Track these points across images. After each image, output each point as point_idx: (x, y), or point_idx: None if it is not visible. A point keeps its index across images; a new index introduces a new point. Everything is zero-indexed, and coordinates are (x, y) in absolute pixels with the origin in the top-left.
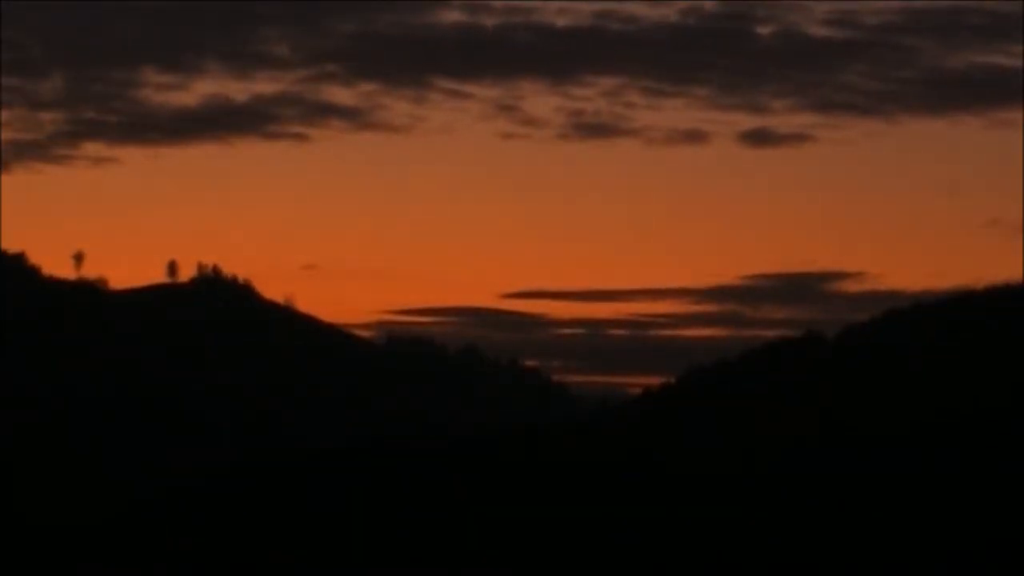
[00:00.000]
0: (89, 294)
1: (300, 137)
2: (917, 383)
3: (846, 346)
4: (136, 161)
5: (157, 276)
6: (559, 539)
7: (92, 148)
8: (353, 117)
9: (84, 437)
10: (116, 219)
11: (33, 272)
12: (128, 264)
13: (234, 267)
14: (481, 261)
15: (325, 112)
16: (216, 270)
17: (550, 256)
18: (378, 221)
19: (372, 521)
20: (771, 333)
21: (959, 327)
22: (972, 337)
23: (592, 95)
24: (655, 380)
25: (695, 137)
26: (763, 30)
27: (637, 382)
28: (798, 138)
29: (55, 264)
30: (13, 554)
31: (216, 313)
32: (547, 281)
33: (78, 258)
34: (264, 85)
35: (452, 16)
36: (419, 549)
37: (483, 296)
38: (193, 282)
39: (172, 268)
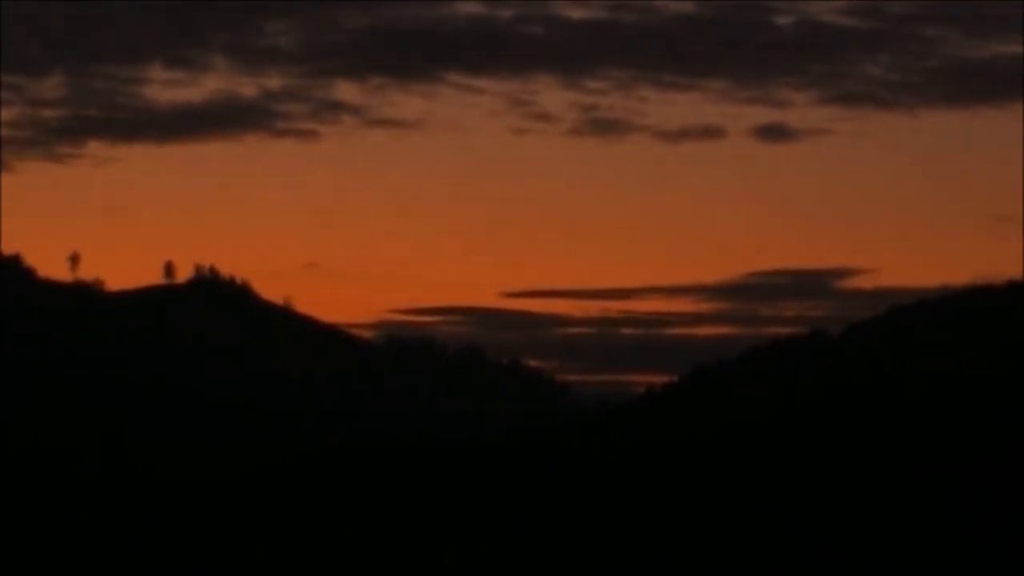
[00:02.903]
0: (85, 296)
1: (309, 133)
2: (921, 380)
3: (850, 344)
4: (140, 160)
5: (154, 277)
6: (558, 540)
7: (95, 147)
8: (363, 113)
9: (77, 438)
10: (115, 219)
11: (28, 274)
12: (127, 265)
13: (238, 267)
14: (490, 259)
15: (335, 108)
16: (213, 271)
17: (561, 253)
18: (384, 218)
19: (370, 522)
20: (785, 331)
21: (965, 323)
22: (979, 333)
23: (606, 88)
24: (661, 379)
25: (710, 132)
26: (781, 20)
27: (642, 381)
28: (816, 132)
29: (51, 266)
30: None
31: (213, 314)
32: (558, 279)
33: (74, 259)
34: (272, 80)
35: (464, 9)
36: (417, 551)
37: (488, 295)
38: (189, 283)
39: (168, 269)
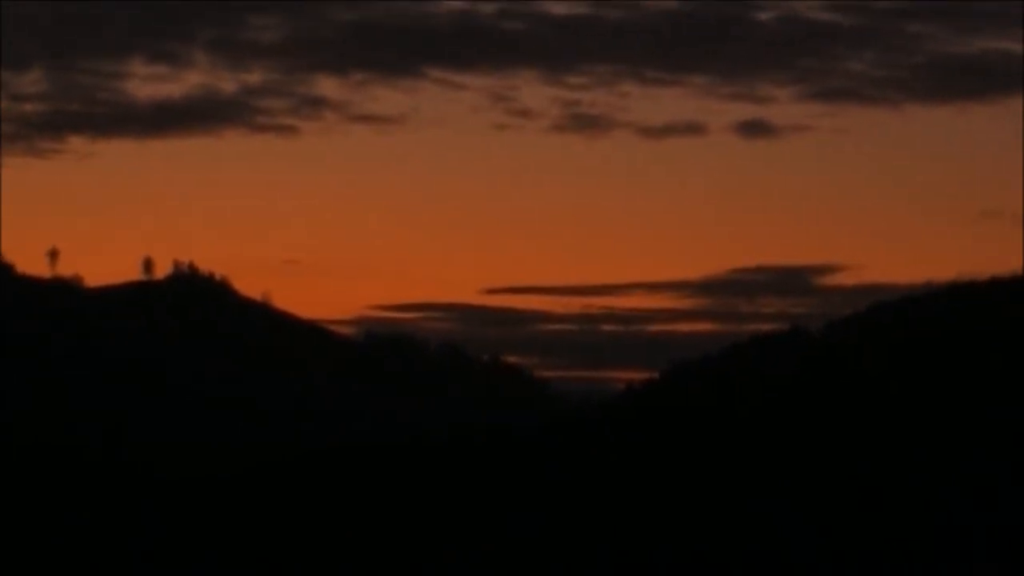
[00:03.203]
0: (63, 292)
1: (290, 129)
2: (901, 377)
3: (830, 341)
4: (121, 155)
5: (133, 273)
6: (557, 540)
7: (76, 142)
8: (344, 108)
9: (61, 436)
10: (95, 215)
11: (8, 270)
12: (106, 261)
13: (218, 263)
14: (471, 255)
15: (316, 103)
16: (192, 267)
17: (543, 249)
18: (365, 214)
19: (351, 521)
20: (766, 328)
21: (948, 320)
22: (961, 330)
23: (588, 84)
24: (641, 376)
25: (692, 128)
26: (764, 16)
27: (623, 377)
28: (799, 128)
29: (30, 262)
30: None
31: (191, 311)
32: (540, 275)
33: (52, 255)
34: (253, 76)
35: (446, 5)
36: (396, 550)
37: (469, 291)
38: (168, 279)
39: (147, 265)
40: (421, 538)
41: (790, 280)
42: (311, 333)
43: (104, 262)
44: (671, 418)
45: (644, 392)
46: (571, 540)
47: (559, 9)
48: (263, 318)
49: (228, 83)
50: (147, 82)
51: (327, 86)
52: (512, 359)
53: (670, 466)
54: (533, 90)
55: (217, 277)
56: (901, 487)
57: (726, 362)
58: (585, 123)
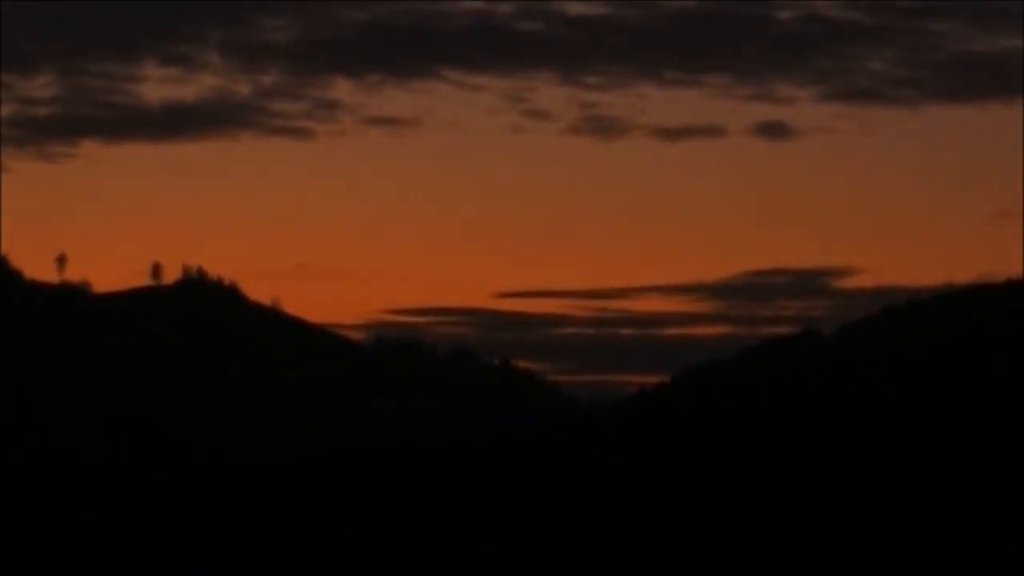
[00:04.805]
0: (71, 298)
1: (304, 131)
2: (913, 381)
3: (843, 343)
4: (134, 159)
5: (142, 279)
6: (559, 540)
7: (88, 146)
8: (359, 110)
9: (66, 441)
10: (106, 220)
11: (16, 275)
12: (116, 266)
13: (230, 267)
14: (486, 259)
15: (330, 105)
16: (201, 272)
17: (558, 252)
18: (379, 217)
19: (358, 524)
20: (783, 331)
21: (957, 323)
22: (977, 331)
23: (605, 85)
24: (656, 380)
25: (710, 130)
26: (784, 15)
27: (638, 381)
28: (817, 130)
29: (38, 267)
30: None
31: (200, 316)
32: (555, 278)
33: (61, 261)
34: (267, 78)
35: (462, 5)
36: (406, 552)
37: (483, 295)
38: (178, 284)
39: (156, 270)
40: (422, 538)
41: (807, 283)
42: (321, 337)
43: (113, 268)
44: (676, 419)
45: (652, 394)
46: (573, 540)
47: (576, 9)
48: (272, 322)
49: (241, 85)
50: (159, 85)
51: (341, 88)
52: (524, 363)
53: (673, 466)
54: (549, 91)
55: (226, 282)
56: (911, 489)
57: (736, 365)
58: (602, 125)
